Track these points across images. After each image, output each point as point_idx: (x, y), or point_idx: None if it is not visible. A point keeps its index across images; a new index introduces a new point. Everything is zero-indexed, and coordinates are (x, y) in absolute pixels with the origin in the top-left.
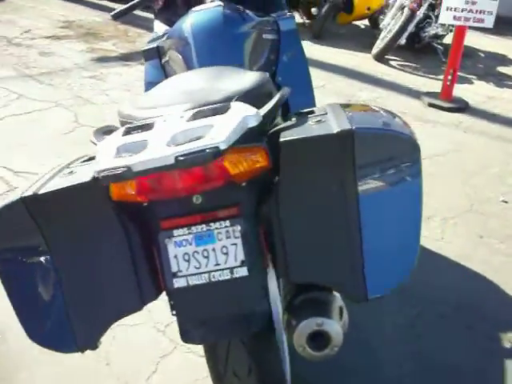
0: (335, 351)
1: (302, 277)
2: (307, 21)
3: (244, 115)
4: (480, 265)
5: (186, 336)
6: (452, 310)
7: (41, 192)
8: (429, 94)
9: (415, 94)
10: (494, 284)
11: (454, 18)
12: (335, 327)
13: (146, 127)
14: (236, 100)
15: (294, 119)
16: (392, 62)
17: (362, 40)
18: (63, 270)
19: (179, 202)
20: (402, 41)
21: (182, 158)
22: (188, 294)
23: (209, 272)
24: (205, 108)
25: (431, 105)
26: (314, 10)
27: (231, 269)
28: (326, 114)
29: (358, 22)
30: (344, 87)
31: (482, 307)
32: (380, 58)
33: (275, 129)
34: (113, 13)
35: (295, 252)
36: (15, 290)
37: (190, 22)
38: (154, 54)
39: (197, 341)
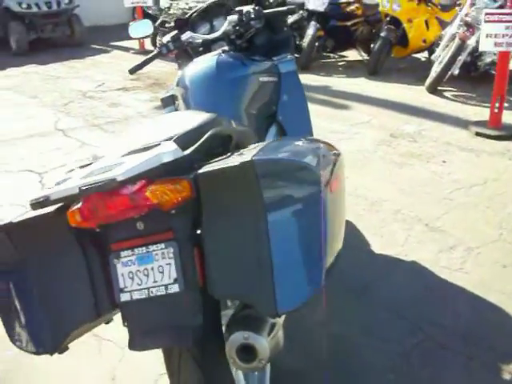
0: (263, 364)
1: (222, 293)
2: (366, 58)
3: (159, 152)
4: (497, 295)
5: (131, 343)
6: (456, 340)
7: (15, 220)
8: (477, 123)
9: (464, 124)
10: (508, 314)
11: (495, 44)
12: (261, 341)
13: (88, 165)
14: (173, 140)
15: (229, 154)
16: (446, 93)
17: (420, 73)
18: (34, 284)
19: (126, 227)
20: (455, 71)
21: (83, 188)
22: (132, 306)
23: (148, 288)
24: (139, 148)
25: (478, 134)
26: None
27: (166, 285)
28: (257, 147)
29: (418, 55)
30: (390, 121)
31: (489, 338)
32: (433, 89)
33: (206, 163)
34: (130, 68)
35: (215, 270)
36: (1, 303)
37: (189, 70)
38: (170, 102)
39: (139, 348)
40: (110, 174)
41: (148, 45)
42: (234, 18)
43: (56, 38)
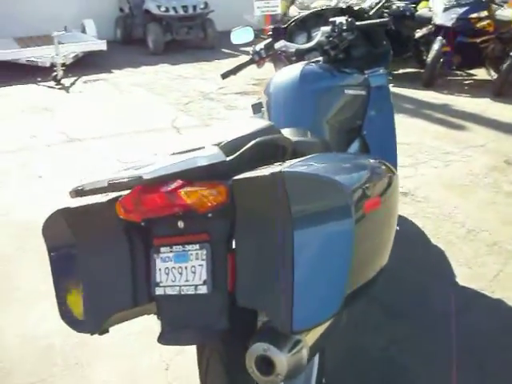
0: (280, 379)
1: (244, 302)
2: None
3: (197, 155)
4: None
5: (160, 337)
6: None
7: (73, 206)
8: None
9: None
10: None
11: None
12: (279, 356)
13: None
14: (219, 145)
15: (274, 164)
16: None
17: None
18: (83, 267)
19: (168, 225)
20: None
21: (111, 183)
22: (165, 301)
23: (180, 286)
24: (186, 149)
25: None
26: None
27: (196, 286)
28: (297, 160)
29: None
30: (507, 147)
31: None
32: None
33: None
34: (222, 73)
35: (242, 278)
36: (56, 279)
37: (274, 79)
38: (258, 109)
39: (166, 342)
40: (141, 171)
41: None
42: (327, 28)
43: (190, 41)
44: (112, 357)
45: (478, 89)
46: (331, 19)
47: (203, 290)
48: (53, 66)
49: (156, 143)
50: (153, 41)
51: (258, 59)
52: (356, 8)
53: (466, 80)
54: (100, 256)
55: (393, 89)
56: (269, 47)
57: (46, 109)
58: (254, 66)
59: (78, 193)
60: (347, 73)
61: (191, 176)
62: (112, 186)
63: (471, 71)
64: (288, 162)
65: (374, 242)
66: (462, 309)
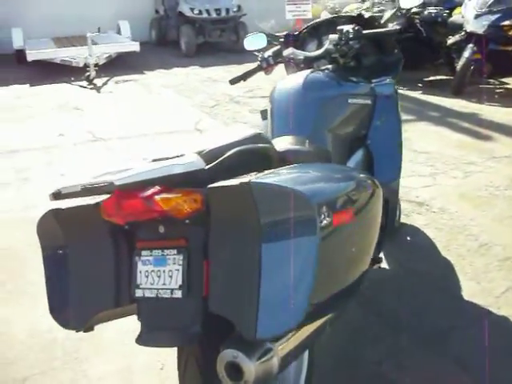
0: None
1: (215, 308)
2: None
3: (173, 163)
4: None
5: (138, 338)
6: None
7: (63, 207)
8: None
9: None
10: None
11: None
12: (247, 364)
13: None
14: (202, 153)
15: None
16: None
17: None
18: (70, 266)
19: (149, 229)
20: None
21: (84, 188)
22: (144, 303)
23: (157, 289)
24: (167, 156)
25: None
26: None
27: (172, 290)
28: (273, 170)
29: None
30: None
31: None
32: None
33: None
34: (230, 79)
35: (213, 285)
36: (47, 276)
37: (278, 86)
38: (266, 115)
39: (143, 343)
40: (114, 177)
41: None
42: (334, 37)
43: (222, 43)
44: (110, 353)
45: (510, 98)
46: (339, 27)
47: (178, 294)
48: (86, 66)
49: (177, 145)
50: (185, 43)
51: (265, 66)
52: (366, 16)
53: (498, 88)
54: (86, 256)
55: (421, 96)
56: (277, 54)
57: (76, 108)
58: (279, 70)
59: (56, 196)
60: (353, 82)
61: (168, 183)
62: (85, 191)
63: (504, 79)
64: (262, 173)
65: (349, 252)
66: (463, 324)
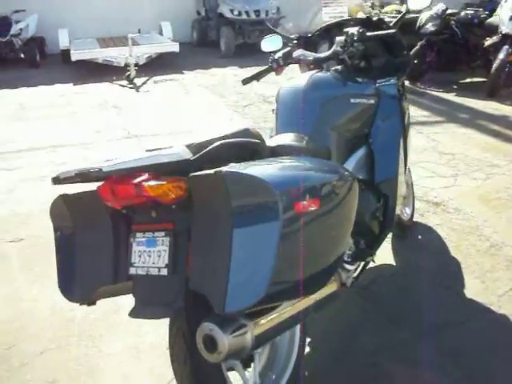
0: (222, 358)
1: (193, 285)
2: None
3: (160, 153)
4: None
5: (131, 312)
6: None
7: (71, 193)
8: None
9: None
10: None
11: None
12: (221, 336)
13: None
14: (190, 145)
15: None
16: None
17: None
18: (76, 245)
19: (143, 213)
20: None
21: (77, 173)
22: (136, 280)
23: (148, 267)
24: (159, 147)
25: None
26: None
27: (159, 268)
28: (251, 162)
29: None
30: None
31: None
32: None
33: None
34: (243, 79)
35: (192, 264)
36: (58, 254)
37: (283, 86)
38: None
39: (135, 316)
40: (104, 164)
41: None
42: (341, 39)
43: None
44: (122, 333)
45: None
46: (345, 29)
47: (164, 272)
48: (126, 65)
49: None
50: (225, 43)
51: (276, 67)
52: (375, 19)
53: None
54: (90, 237)
55: (454, 98)
56: (287, 56)
57: (115, 106)
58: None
59: (55, 181)
60: (357, 82)
61: (157, 171)
62: (78, 176)
63: None
64: (239, 164)
65: (317, 238)
66: (461, 321)
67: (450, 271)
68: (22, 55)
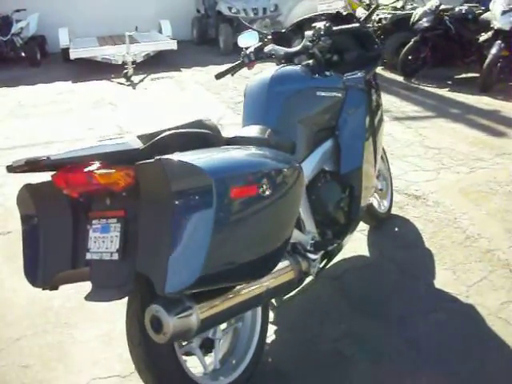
0: (167, 338)
1: (139, 269)
2: None
3: (108, 143)
4: None
5: (87, 295)
6: None
7: (33, 183)
8: None
9: None
10: None
11: None
12: (166, 318)
13: None
14: (140, 135)
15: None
16: None
17: None
18: (39, 232)
19: (99, 201)
20: None
21: (27, 161)
22: (92, 265)
23: (101, 252)
24: (111, 138)
25: None
26: None
27: (111, 253)
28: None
29: None
30: None
31: None
32: None
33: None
34: (216, 74)
35: (139, 249)
36: (24, 241)
37: (251, 81)
38: None
39: (90, 299)
40: (51, 153)
41: None
42: (309, 33)
43: None
44: (96, 321)
45: None
46: (313, 24)
47: (115, 256)
48: (124, 63)
49: None
50: (223, 41)
51: (247, 62)
52: (344, 13)
53: None
54: (51, 225)
55: (446, 93)
56: (258, 51)
57: (111, 103)
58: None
59: (8, 169)
60: (324, 75)
61: (107, 160)
62: (27, 165)
63: None
64: (182, 152)
65: (256, 225)
66: (427, 310)
67: (422, 262)
68: (23, 54)
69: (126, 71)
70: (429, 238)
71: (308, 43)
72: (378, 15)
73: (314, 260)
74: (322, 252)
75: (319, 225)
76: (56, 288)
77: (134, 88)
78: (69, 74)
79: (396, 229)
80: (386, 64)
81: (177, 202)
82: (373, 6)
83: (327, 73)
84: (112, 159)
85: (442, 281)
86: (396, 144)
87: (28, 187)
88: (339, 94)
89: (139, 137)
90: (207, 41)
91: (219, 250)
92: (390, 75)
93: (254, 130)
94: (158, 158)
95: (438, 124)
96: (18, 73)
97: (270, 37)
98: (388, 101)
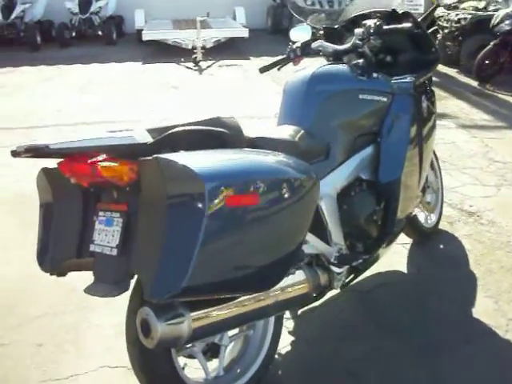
0: (154, 343)
1: (133, 269)
2: None
3: (113, 136)
4: None
5: (86, 288)
6: None
7: (50, 167)
8: None
9: None
10: None
11: None
12: (154, 322)
13: None
14: (150, 130)
15: None
16: None
17: None
18: (54, 218)
19: (106, 193)
20: None
21: (27, 148)
22: (95, 258)
23: (103, 246)
24: (120, 130)
25: None
26: None
27: (111, 248)
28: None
29: None
30: None
31: None
32: None
33: None
34: (260, 67)
35: (135, 247)
36: (40, 225)
37: (291, 78)
38: None
39: (87, 292)
40: (52, 141)
41: None
42: (359, 31)
43: None
44: (115, 309)
45: None
46: (364, 22)
47: (114, 252)
48: (194, 48)
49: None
50: None
51: (293, 57)
52: (400, 12)
53: None
54: (63, 211)
55: None
56: (305, 46)
57: (174, 87)
58: None
59: (13, 154)
60: (370, 77)
61: (114, 153)
62: (27, 151)
63: None
64: (183, 152)
65: (258, 236)
66: (459, 341)
67: (463, 286)
68: (100, 33)
69: (194, 56)
70: (476, 259)
71: (358, 41)
72: (457, 15)
73: (339, 273)
74: (348, 266)
75: (348, 237)
76: (64, 274)
77: (201, 73)
78: (141, 54)
79: (441, 246)
80: (462, 67)
81: (170, 204)
82: (432, 6)
83: (375, 74)
84: (118, 152)
85: (481, 309)
86: (457, 153)
87: (45, 171)
88: (385, 99)
89: (150, 130)
90: (281, 30)
91: (209, 260)
92: (463, 79)
93: (284, 131)
94: (155, 156)
95: (507, 136)
96: (93, 50)
97: (321, 32)
98: (457, 106)
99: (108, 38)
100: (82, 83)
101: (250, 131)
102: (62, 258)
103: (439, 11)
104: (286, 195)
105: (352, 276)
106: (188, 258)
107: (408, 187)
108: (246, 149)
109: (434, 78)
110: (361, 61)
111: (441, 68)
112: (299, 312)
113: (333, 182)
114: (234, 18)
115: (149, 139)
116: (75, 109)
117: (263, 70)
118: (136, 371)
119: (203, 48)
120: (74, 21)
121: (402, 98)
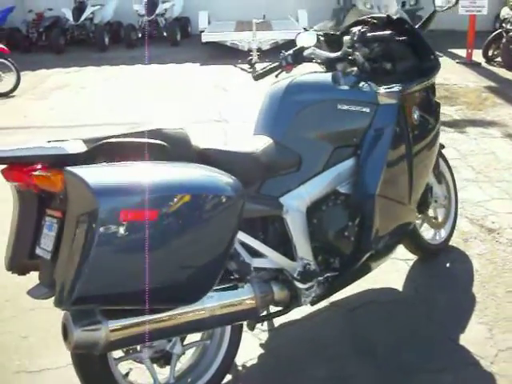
0: (71, 348)
1: (54, 275)
2: None
3: (40, 146)
4: None
5: (29, 291)
6: None
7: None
8: None
9: None
10: None
11: None
12: (70, 327)
13: None
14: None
15: None
16: None
17: None
18: (13, 217)
19: (52, 199)
20: None
21: None
22: (39, 261)
23: (44, 249)
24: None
25: None
26: None
27: (48, 252)
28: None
29: None
30: None
31: None
32: None
33: None
34: (255, 74)
35: (59, 255)
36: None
37: (269, 87)
38: None
39: (28, 293)
40: None
41: (477, 56)
42: (347, 38)
43: None
44: None
45: None
46: (352, 29)
47: (48, 256)
48: (249, 50)
49: None
50: None
51: (285, 64)
52: (395, 17)
53: None
54: (22, 214)
55: None
56: (297, 54)
57: (224, 89)
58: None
59: None
60: (353, 87)
61: (48, 161)
62: None
63: None
64: (91, 165)
65: (156, 252)
66: (438, 369)
67: (458, 310)
68: (165, 34)
69: (250, 58)
70: (482, 281)
71: (347, 49)
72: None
73: (307, 289)
74: (316, 281)
75: (320, 252)
76: (24, 274)
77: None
78: (201, 56)
79: (448, 264)
80: None
81: (72, 215)
82: (430, 12)
83: (361, 84)
84: (53, 162)
85: (471, 336)
86: (496, 165)
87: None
88: (367, 109)
89: (86, 141)
90: None
91: (102, 273)
92: None
93: (246, 142)
94: (65, 168)
95: None
96: (155, 52)
97: (322, 38)
98: (510, 114)
99: (172, 40)
100: (139, 84)
101: (200, 143)
102: (17, 258)
103: (504, 13)
104: (192, 211)
105: (326, 292)
106: (81, 270)
107: (390, 203)
108: (175, 163)
109: (492, 84)
110: (355, 69)
111: (504, 73)
112: (276, 325)
113: (303, 195)
114: (297, 20)
115: (78, 150)
116: (122, 110)
117: (258, 77)
118: (75, 369)
119: (259, 50)
120: (141, 22)
121: (387, 109)
